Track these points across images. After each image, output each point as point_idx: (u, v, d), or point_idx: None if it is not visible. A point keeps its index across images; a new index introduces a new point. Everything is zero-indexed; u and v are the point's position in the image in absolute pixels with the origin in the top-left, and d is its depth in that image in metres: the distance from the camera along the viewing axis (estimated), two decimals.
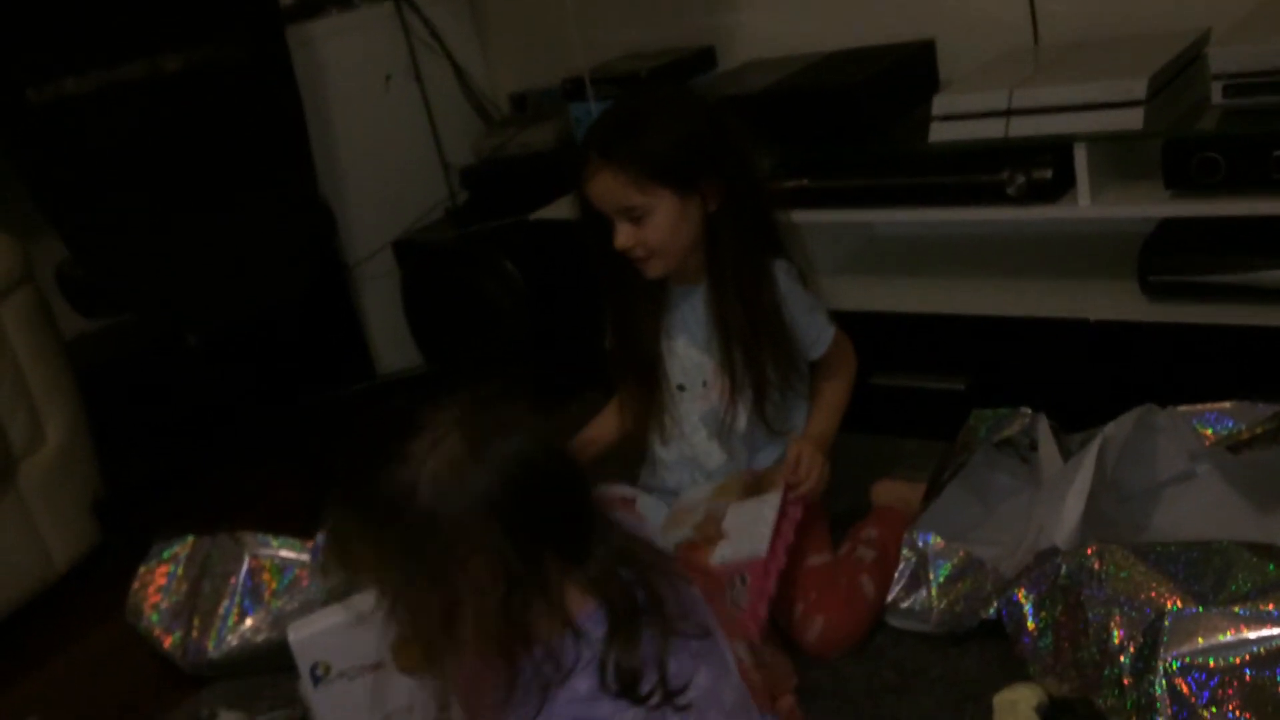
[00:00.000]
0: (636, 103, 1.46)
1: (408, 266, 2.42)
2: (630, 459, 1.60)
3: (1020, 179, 1.66)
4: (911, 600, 1.32)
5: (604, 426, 1.61)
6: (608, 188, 1.38)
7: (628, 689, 0.89)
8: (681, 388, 1.51)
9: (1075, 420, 1.46)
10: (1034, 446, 1.45)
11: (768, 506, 1.35)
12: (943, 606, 1.30)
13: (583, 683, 0.90)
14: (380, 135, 2.48)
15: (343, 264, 2.49)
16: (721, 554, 1.32)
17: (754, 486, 1.42)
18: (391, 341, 2.52)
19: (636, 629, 0.91)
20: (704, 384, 1.49)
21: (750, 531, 1.33)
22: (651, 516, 1.47)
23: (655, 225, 1.39)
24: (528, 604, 0.90)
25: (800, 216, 1.54)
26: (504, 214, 2.29)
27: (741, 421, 1.48)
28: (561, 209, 2.22)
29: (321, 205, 2.22)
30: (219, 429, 2.37)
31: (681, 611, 0.95)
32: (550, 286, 2.24)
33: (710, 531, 1.37)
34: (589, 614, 0.91)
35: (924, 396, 1.78)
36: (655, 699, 0.90)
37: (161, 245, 2.02)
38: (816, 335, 1.48)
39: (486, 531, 0.90)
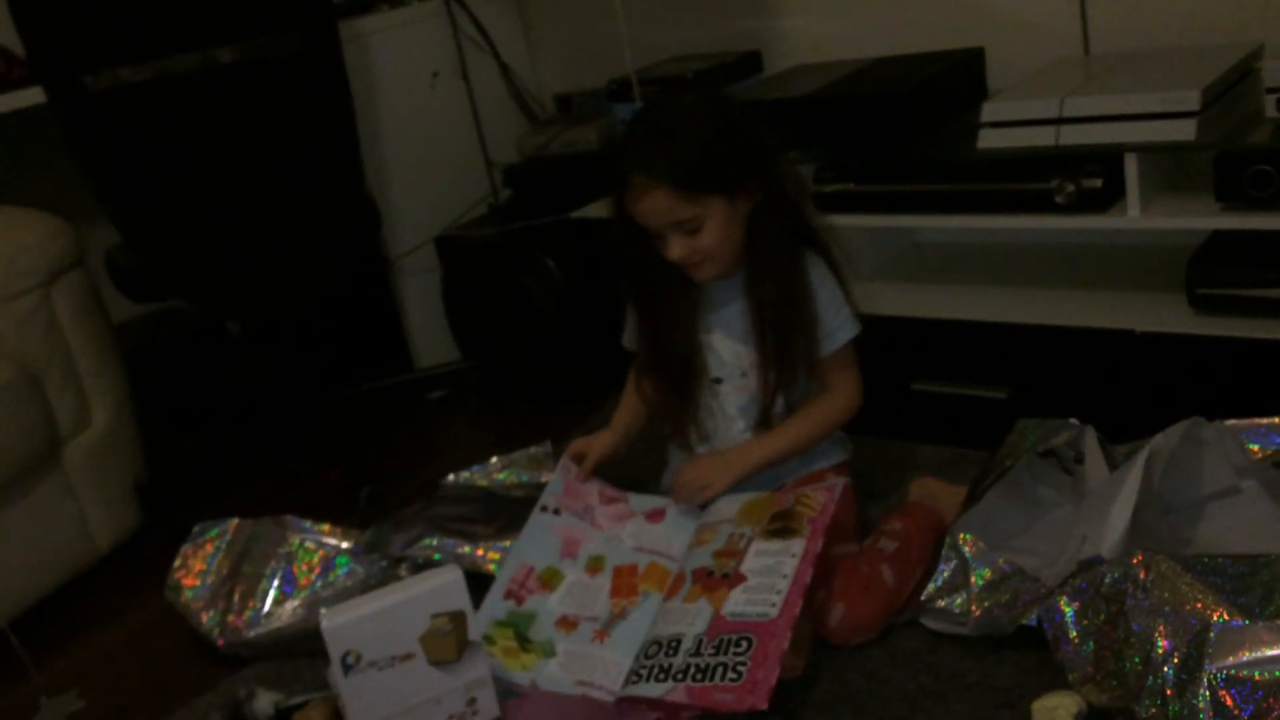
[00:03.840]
0: (663, 114, 1.43)
1: (449, 262, 2.44)
2: (635, 454, 1.60)
3: (1070, 188, 1.65)
4: (949, 601, 1.31)
5: (624, 423, 1.60)
6: (659, 206, 1.38)
7: None
8: (718, 380, 1.51)
9: (1117, 432, 1.44)
10: (1079, 459, 1.44)
11: (790, 558, 1.32)
12: (981, 611, 1.29)
13: None
14: (426, 132, 2.50)
15: (385, 258, 2.51)
16: (733, 606, 1.30)
17: (781, 518, 1.39)
18: (431, 336, 2.54)
19: None
20: (743, 374, 1.50)
21: (768, 584, 1.31)
22: (679, 531, 1.47)
23: (709, 232, 1.39)
24: None
25: (844, 221, 1.55)
26: (546, 213, 2.31)
27: (781, 407, 1.49)
28: (603, 209, 2.24)
29: (367, 199, 2.24)
30: (260, 416, 2.40)
31: None
32: (590, 285, 2.25)
33: (728, 566, 1.35)
34: None
35: (965, 404, 1.77)
36: None
37: (210, 234, 2.05)
38: (836, 326, 1.47)
39: None
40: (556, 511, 1.50)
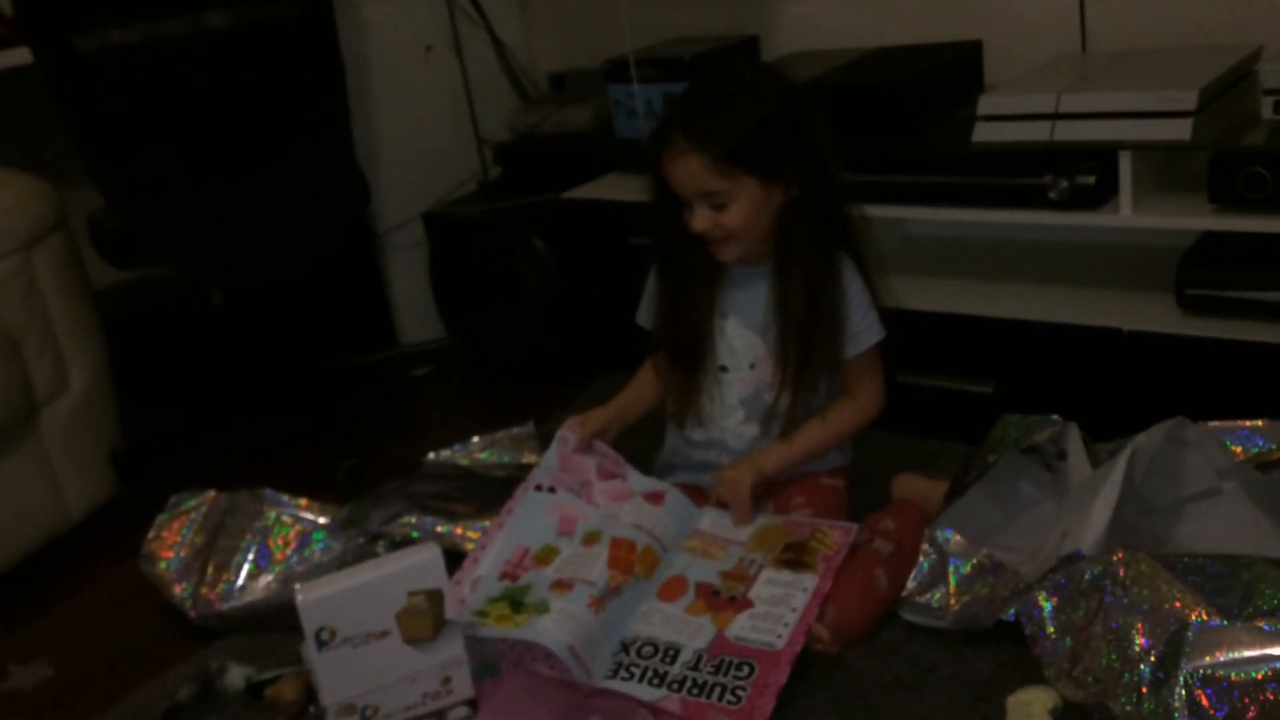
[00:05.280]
0: (721, 82, 1.40)
1: (437, 238, 2.42)
2: (628, 431, 1.59)
3: (1063, 184, 1.65)
4: (928, 596, 1.31)
5: (637, 396, 1.59)
6: (690, 172, 1.36)
7: None
8: (724, 369, 1.50)
9: (1101, 430, 1.44)
10: (1062, 455, 1.44)
11: (801, 592, 1.32)
12: (959, 605, 1.29)
13: None
14: (417, 106, 2.48)
15: (372, 232, 2.49)
16: (738, 630, 1.29)
17: (795, 549, 1.38)
18: (416, 312, 2.52)
19: None
20: (751, 366, 1.48)
21: (775, 614, 1.30)
22: (676, 519, 1.46)
23: (736, 211, 1.37)
24: None
25: None
26: (536, 192, 2.29)
27: (785, 406, 1.47)
28: (595, 190, 2.23)
29: (356, 171, 2.22)
30: (240, 387, 2.38)
31: None
32: (578, 266, 2.24)
33: (736, 590, 1.35)
34: None
35: (950, 398, 1.77)
36: None
37: (196, 201, 2.03)
38: (863, 329, 1.46)
39: None
40: (551, 489, 1.48)
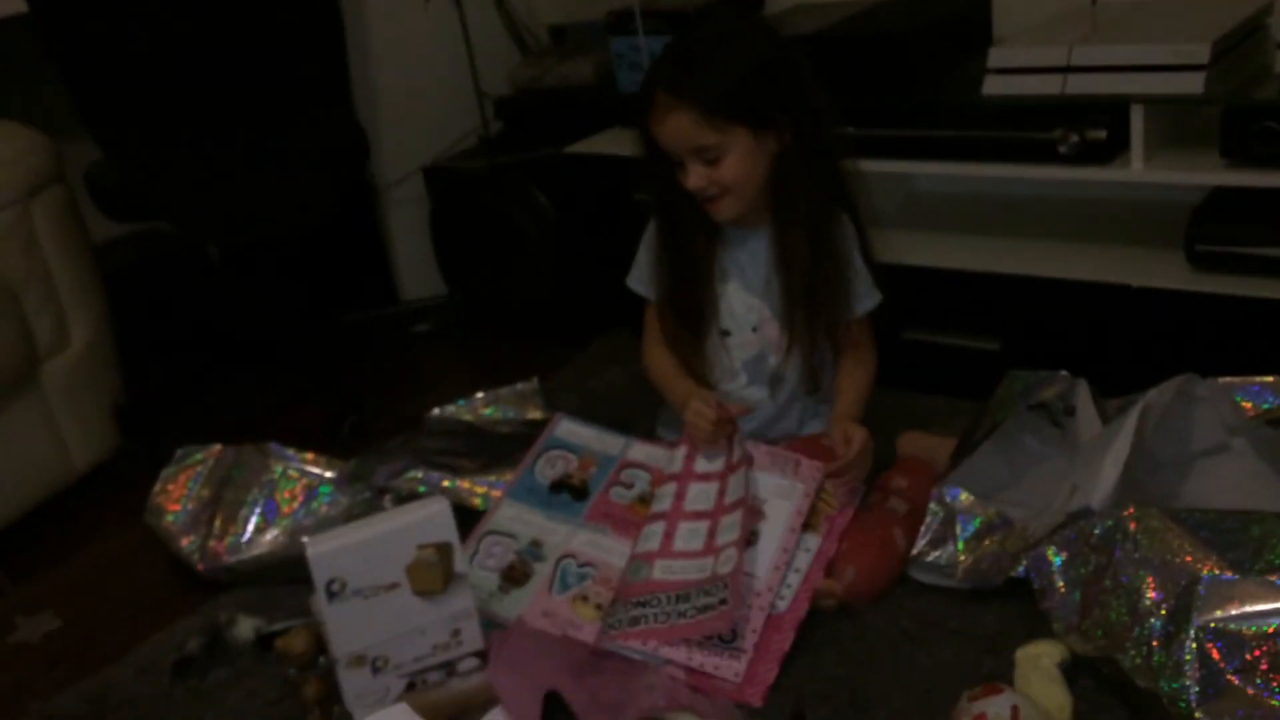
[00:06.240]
0: (703, 35, 1.38)
1: (437, 193, 2.40)
2: (623, 394, 1.58)
3: (1074, 138, 1.63)
4: (937, 554, 1.31)
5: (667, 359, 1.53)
6: (680, 128, 1.33)
7: None
8: (727, 333, 1.48)
9: (1111, 387, 1.44)
10: (1070, 411, 1.43)
11: (804, 553, 1.32)
12: (968, 562, 1.29)
13: None
14: (417, 59, 2.45)
15: (372, 187, 2.47)
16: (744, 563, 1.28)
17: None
18: (417, 268, 2.51)
19: None
20: (754, 329, 1.47)
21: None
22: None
23: (730, 164, 1.35)
24: None
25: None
26: (537, 146, 2.26)
27: (793, 367, 1.46)
28: (596, 144, 2.20)
29: (356, 125, 2.20)
30: (241, 343, 2.36)
31: None
32: (579, 221, 2.22)
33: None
34: None
35: (956, 354, 1.76)
36: None
37: (191, 154, 2.00)
38: (865, 291, 1.45)
39: None
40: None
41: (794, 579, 1.30)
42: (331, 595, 1.19)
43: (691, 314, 1.47)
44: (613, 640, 1.26)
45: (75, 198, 2.01)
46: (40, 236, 1.89)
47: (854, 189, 1.44)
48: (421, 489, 1.53)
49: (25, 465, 1.84)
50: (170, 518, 1.57)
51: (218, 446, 1.62)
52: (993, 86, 1.68)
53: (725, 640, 1.23)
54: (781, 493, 1.37)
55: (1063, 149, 1.65)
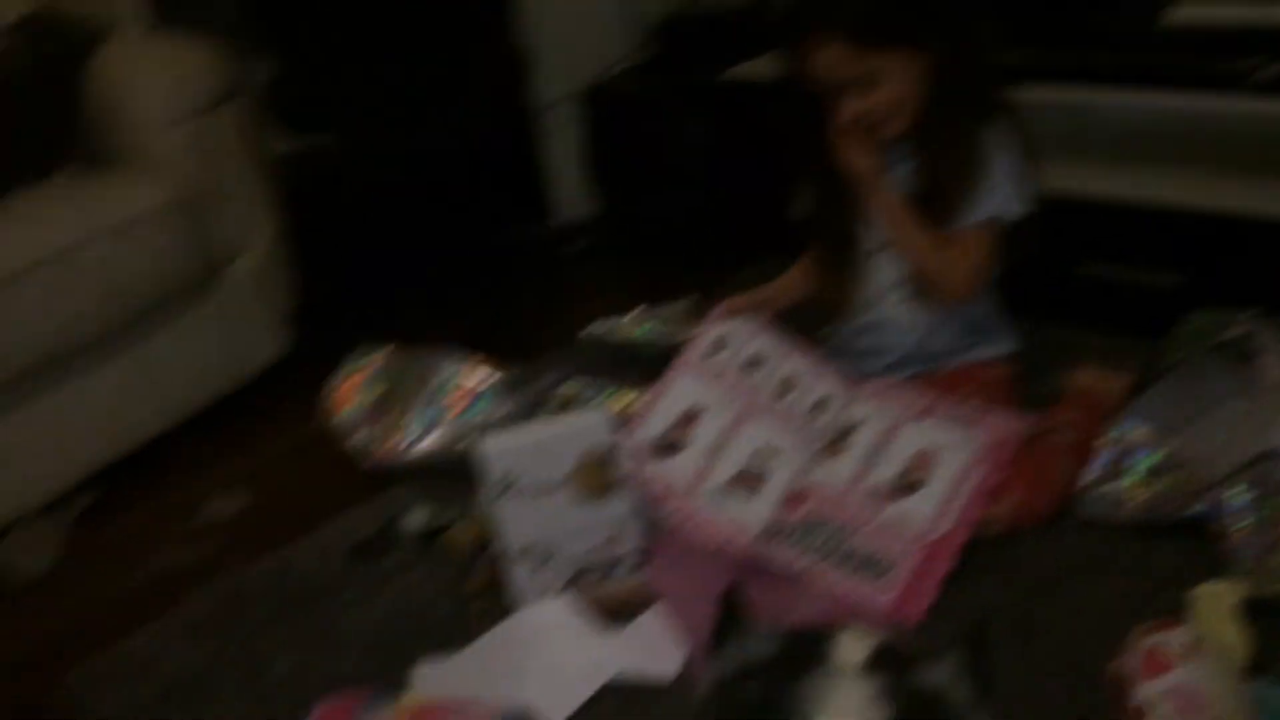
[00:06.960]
0: None
1: (594, 115, 2.41)
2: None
3: (1271, 67, 1.54)
4: (1108, 489, 1.28)
5: (786, 286, 1.58)
6: (836, 60, 1.31)
7: None
8: (870, 253, 1.47)
9: None
10: (1255, 353, 1.37)
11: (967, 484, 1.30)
12: (1141, 499, 1.26)
13: None
14: None
15: (529, 108, 2.49)
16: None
17: None
18: (571, 189, 2.53)
19: None
20: None
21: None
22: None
23: (888, 89, 1.33)
24: None
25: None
26: (693, 72, 2.25)
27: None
28: (752, 70, 2.17)
29: (514, 46, 2.22)
30: (412, 254, 2.42)
31: None
32: (734, 148, 2.21)
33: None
34: None
35: (1133, 291, 1.70)
36: None
37: (355, 72, 2.06)
38: (994, 199, 1.37)
39: None
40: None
41: (954, 507, 1.28)
42: (503, 490, 1.23)
43: (840, 239, 1.47)
44: (766, 547, 1.28)
45: (253, 112, 2.08)
46: (221, 147, 1.98)
47: (1009, 111, 1.40)
48: (581, 399, 1.57)
49: (205, 365, 1.95)
50: (343, 415, 1.64)
51: (387, 349, 1.68)
52: (1185, 11, 1.59)
53: (876, 574, 1.24)
54: (956, 445, 1.35)
55: (1257, 78, 1.56)
